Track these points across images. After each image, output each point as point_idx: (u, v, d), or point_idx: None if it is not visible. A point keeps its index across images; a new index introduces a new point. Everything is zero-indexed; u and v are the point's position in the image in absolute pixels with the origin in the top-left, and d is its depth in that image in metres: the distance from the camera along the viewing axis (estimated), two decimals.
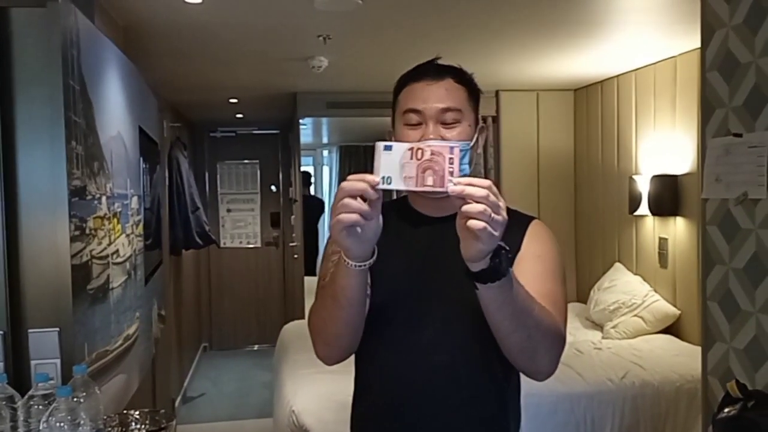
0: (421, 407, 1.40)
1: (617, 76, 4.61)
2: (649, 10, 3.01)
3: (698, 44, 2.47)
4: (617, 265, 4.61)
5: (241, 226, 7.34)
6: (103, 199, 1.98)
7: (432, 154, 1.10)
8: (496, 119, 5.27)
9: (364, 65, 4.14)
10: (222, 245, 7.15)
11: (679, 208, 3.98)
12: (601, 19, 3.16)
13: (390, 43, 3.55)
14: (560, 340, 1.34)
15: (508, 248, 1.15)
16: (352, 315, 1.30)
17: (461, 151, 1.13)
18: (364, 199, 1.11)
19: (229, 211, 7.32)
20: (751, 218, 2.19)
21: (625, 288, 4.28)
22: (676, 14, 3.03)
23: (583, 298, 4.99)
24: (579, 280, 5.28)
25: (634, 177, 4.30)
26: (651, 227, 4.28)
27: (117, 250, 2.14)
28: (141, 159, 2.71)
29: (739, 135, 2.22)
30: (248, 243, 7.32)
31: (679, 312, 4.00)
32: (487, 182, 1.07)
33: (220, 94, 5.26)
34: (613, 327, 4.10)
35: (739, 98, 2.24)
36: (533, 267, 1.34)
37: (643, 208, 4.17)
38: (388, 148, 1.11)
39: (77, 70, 1.75)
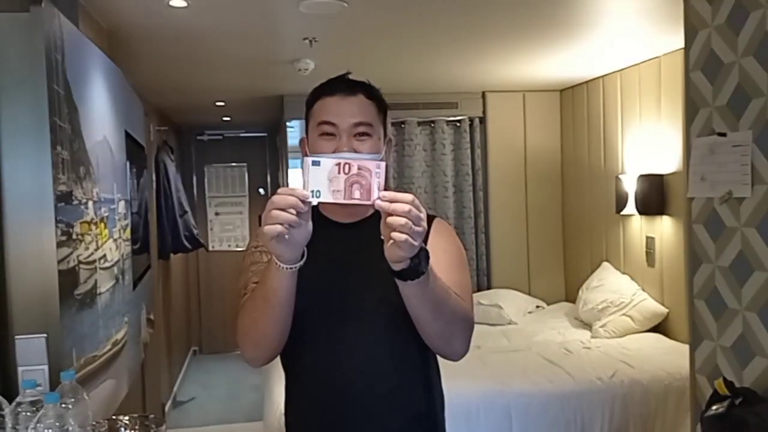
0: (348, 402, 1.48)
1: (602, 76, 4.63)
2: (632, 11, 3.03)
3: (682, 44, 2.48)
4: (605, 264, 4.64)
5: (229, 229, 7.31)
6: (90, 203, 1.97)
7: (359, 169, 1.17)
8: (483, 120, 5.28)
9: (350, 67, 4.10)
10: (210, 248, 7.12)
11: (665, 207, 4.00)
12: (586, 21, 3.18)
13: (376, 45, 3.55)
14: (471, 324, 1.47)
15: (427, 249, 1.25)
16: (281, 315, 1.36)
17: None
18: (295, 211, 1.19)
19: (217, 214, 7.30)
20: (736, 217, 2.20)
21: (613, 287, 4.30)
22: (660, 15, 3.05)
23: (571, 297, 5.01)
24: (567, 279, 5.30)
25: (620, 176, 4.32)
26: (638, 226, 4.30)
27: (104, 255, 2.13)
28: (128, 163, 2.70)
29: (723, 134, 2.24)
30: (237, 246, 7.29)
31: (666, 310, 4.03)
32: (410, 197, 1.17)
33: (206, 97, 5.24)
34: (602, 326, 4.12)
35: (722, 98, 2.26)
36: (440, 260, 1.42)
37: (630, 208, 4.20)
38: (316, 163, 1.18)
39: (62, 75, 1.74)
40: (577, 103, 5.04)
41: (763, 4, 2.08)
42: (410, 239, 1.16)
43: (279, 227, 1.18)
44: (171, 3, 2.66)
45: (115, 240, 2.30)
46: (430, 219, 1.54)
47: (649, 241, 4.17)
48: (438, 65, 4.15)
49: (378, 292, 1.44)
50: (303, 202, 1.19)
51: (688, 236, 2.47)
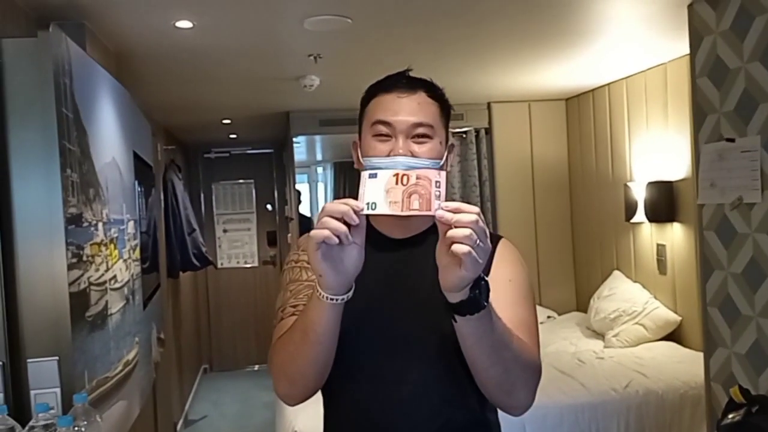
0: None
1: (608, 84, 4.63)
2: (637, 18, 3.03)
3: (687, 50, 2.48)
4: (616, 272, 4.61)
5: (237, 246, 7.33)
6: (100, 225, 1.97)
7: (418, 178, 1.08)
8: (488, 131, 5.28)
9: (355, 82, 4.12)
10: (219, 266, 7.14)
11: (675, 214, 3.98)
12: (590, 29, 3.18)
13: (381, 59, 3.56)
14: (537, 372, 1.26)
15: (487, 279, 1.10)
16: (321, 352, 1.20)
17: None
18: (346, 224, 1.07)
19: (225, 231, 7.32)
20: (747, 222, 2.19)
21: (625, 296, 4.27)
22: (664, 21, 3.04)
23: (583, 307, 4.99)
24: (578, 289, 5.27)
25: (628, 184, 4.30)
26: (648, 234, 4.28)
27: (115, 276, 2.13)
28: (136, 183, 2.71)
29: (732, 140, 2.23)
30: (245, 263, 7.31)
31: (679, 318, 4.00)
32: (476, 209, 1.04)
33: (213, 115, 5.27)
34: (615, 335, 4.09)
35: (729, 103, 2.25)
36: (505, 292, 1.27)
37: (640, 215, 4.18)
38: (373, 176, 1.10)
39: (70, 98, 1.75)
40: (583, 112, 5.04)
41: None
42: (474, 253, 1.01)
43: (326, 231, 1.05)
44: (177, 24, 2.68)
45: (125, 260, 2.30)
46: (495, 239, 1.36)
47: (660, 249, 4.15)
48: (442, 77, 4.11)
49: (430, 319, 1.26)
50: (357, 214, 1.07)
51: (700, 243, 2.45)
